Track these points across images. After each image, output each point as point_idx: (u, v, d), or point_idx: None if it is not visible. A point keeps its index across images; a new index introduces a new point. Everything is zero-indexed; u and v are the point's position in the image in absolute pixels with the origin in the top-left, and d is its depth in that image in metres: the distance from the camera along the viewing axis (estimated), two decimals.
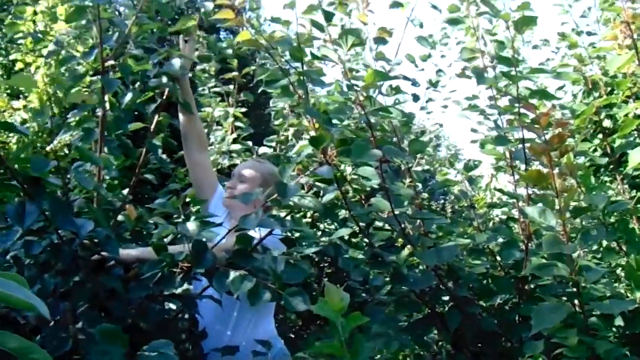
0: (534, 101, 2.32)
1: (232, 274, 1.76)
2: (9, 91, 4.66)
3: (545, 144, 1.86)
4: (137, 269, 1.96)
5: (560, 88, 3.97)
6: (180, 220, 1.96)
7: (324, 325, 3.51)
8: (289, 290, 1.74)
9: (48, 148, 4.90)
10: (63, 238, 1.78)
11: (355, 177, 2.24)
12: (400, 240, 2.38)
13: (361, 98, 2.16)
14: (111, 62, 2.18)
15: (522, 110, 2.18)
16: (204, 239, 1.83)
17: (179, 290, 1.98)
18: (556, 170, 1.89)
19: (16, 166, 1.92)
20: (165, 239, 2.02)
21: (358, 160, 1.89)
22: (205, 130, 3.99)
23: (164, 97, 2.37)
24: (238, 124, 4.05)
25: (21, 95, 4.59)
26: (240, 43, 2.21)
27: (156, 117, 2.36)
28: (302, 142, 3.03)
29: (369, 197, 2.48)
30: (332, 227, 3.47)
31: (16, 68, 4.36)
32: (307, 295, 1.69)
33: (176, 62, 2.21)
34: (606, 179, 3.68)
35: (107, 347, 1.39)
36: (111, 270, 1.93)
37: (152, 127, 2.37)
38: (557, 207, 1.89)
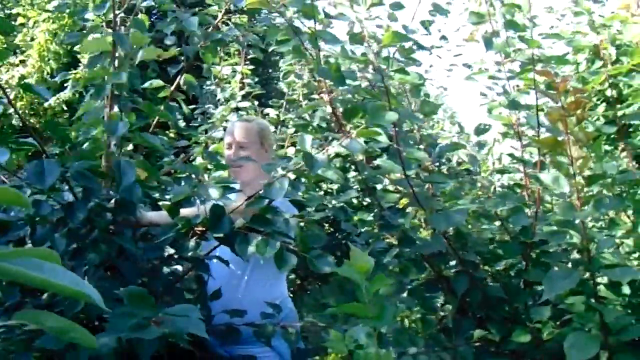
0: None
1: (254, 239, 1.75)
2: (5, 46, 4.58)
3: (562, 110, 1.85)
4: (146, 230, 1.96)
5: (564, 56, 3.92)
6: (195, 180, 1.94)
7: (321, 285, 3.52)
8: (313, 253, 1.74)
9: (46, 104, 4.86)
10: (77, 197, 1.76)
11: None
12: (402, 202, 2.37)
13: (372, 58, 2.13)
14: (122, 14, 2.12)
15: (536, 77, 2.16)
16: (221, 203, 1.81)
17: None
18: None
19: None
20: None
21: (374, 122, 1.87)
22: (218, 88, 4.00)
23: (187, 58, 2.30)
24: (247, 80, 4.05)
25: (18, 51, 4.52)
26: (250, 3, 2.16)
27: (178, 78, 2.31)
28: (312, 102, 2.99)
29: (373, 159, 2.46)
30: (334, 187, 3.46)
31: (16, 23, 4.25)
32: (332, 258, 1.69)
33: (193, 20, 2.15)
34: (608, 148, 3.67)
35: (132, 310, 1.37)
36: (121, 231, 1.92)
37: (173, 87, 2.29)
38: (571, 173, 1.88)
